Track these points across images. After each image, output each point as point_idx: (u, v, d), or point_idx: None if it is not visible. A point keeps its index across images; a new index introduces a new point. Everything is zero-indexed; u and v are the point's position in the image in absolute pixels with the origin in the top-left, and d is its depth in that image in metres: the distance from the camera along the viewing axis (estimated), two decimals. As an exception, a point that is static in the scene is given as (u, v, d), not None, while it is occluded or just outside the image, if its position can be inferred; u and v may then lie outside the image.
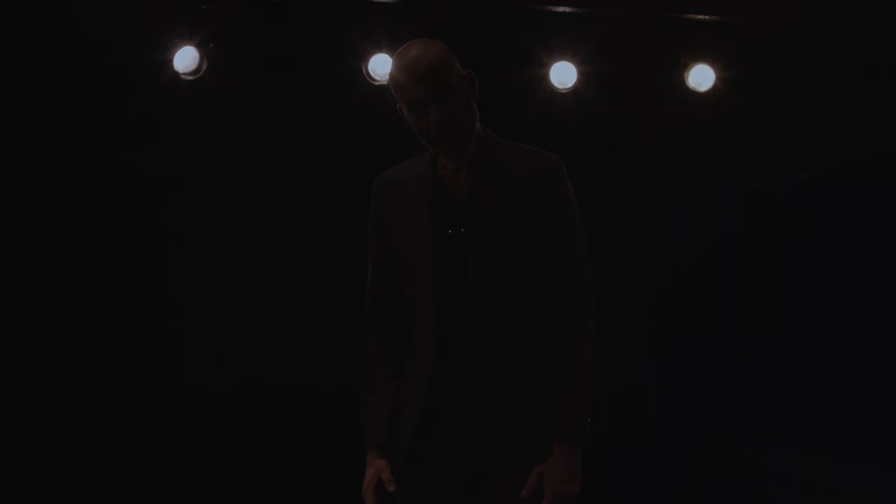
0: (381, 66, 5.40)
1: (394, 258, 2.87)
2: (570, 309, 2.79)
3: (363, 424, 2.86)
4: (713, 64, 5.65)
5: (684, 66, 5.68)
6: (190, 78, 5.38)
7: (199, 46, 5.36)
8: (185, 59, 5.36)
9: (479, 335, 2.75)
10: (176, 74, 5.37)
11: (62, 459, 5.41)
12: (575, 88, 5.61)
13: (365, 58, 5.46)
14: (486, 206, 2.78)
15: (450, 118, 2.73)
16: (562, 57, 5.60)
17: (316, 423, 5.58)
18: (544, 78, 5.61)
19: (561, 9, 5.57)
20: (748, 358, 5.85)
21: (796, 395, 5.71)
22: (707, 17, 5.63)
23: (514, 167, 2.82)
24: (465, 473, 2.77)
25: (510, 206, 2.78)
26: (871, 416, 5.52)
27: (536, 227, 2.78)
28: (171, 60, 5.36)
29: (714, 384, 5.85)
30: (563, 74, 5.60)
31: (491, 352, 2.75)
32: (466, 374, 2.76)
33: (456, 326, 2.76)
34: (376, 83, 5.42)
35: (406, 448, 2.78)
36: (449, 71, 2.74)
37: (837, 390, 5.60)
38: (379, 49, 5.43)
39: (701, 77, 5.66)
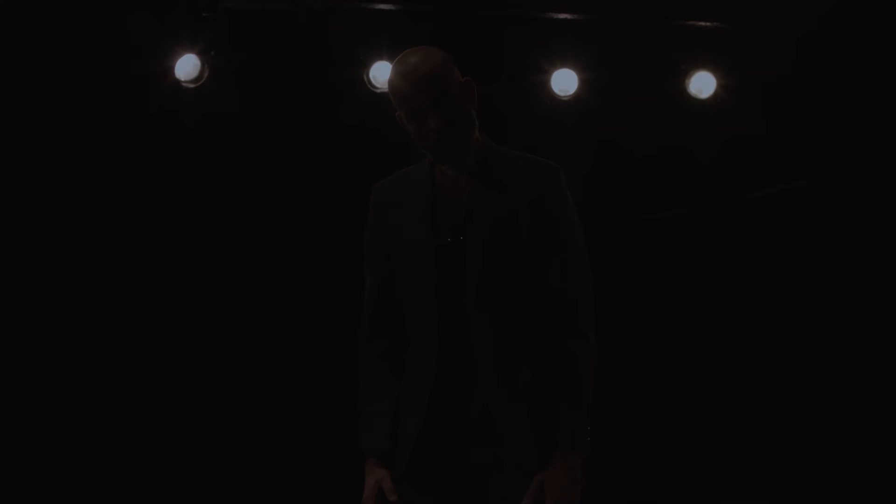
0: (382, 73, 5.40)
1: (392, 267, 2.86)
2: (570, 318, 2.78)
3: (362, 433, 2.84)
4: (714, 71, 5.65)
5: (685, 73, 5.67)
6: (191, 86, 5.38)
7: (200, 54, 5.37)
8: (187, 66, 5.36)
9: (479, 344, 2.75)
10: (177, 82, 5.38)
11: (60, 460, 5.41)
12: (576, 96, 5.61)
13: (366, 65, 5.47)
14: (485, 214, 2.78)
15: (449, 126, 2.73)
16: (563, 64, 5.60)
17: (315, 433, 5.57)
18: (545, 85, 5.61)
19: (562, 16, 5.58)
20: (750, 363, 5.84)
21: (797, 401, 5.72)
22: (708, 23, 5.63)
23: (514, 175, 2.81)
24: (467, 482, 2.76)
25: (509, 214, 2.77)
26: (872, 415, 5.54)
27: (536, 236, 2.78)
28: (172, 68, 5.36)
29: (715, 389, 5.85)
30: (565, 81, 5.60)
31: (492, 360, 2.74)
32: (467, 382, 2.75)
33: (456, 335, 2.75)
34: (377, 91, 5.42)
35: (407, 457, 2.77)
36: (448, 78, 2.74)
37: (838, 396, 5.60)
38: (380, 57, 5.43)
39: (702, 84, 5.65)
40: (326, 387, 5.40)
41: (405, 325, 2.85)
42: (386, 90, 2.87)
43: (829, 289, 5.72)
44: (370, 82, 5.45)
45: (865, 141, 5.66)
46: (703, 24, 5.62)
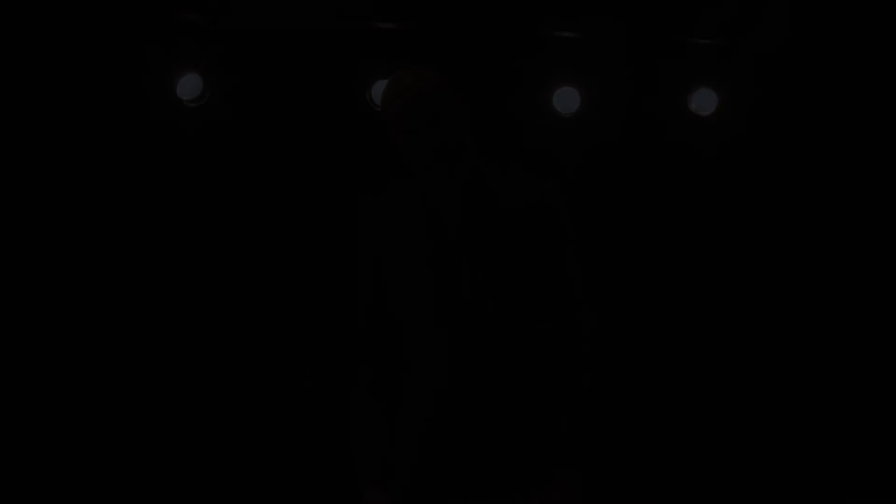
0: (384, 92, 5.41)
1: (386, 287, 2.85)
2: (568, 335, 2.78)
3: (358, 458, 2.83)
4: (716, 88, 5.65)
5: (687, 91, 5.67)
6: (193, 105, 5.40)
7: (202, 74, 5.38)
8: (189, 86, 5.38)
9: (479, 361, 2.74)
10: (179, 101, 5.39)
11: (57, 460, 5.41)
12: (578, 113, 5.61)
13: (368, 85, 5.48)
14: (480, 232, 2.77)
15: (443, 144, 2.74)
16: (565, 82, 5.61)
17: (314, 453, 5.57)
18: (548, 103, 5.62)
19: (564, 34, 5.59)
20: (750, 365, 5.85)
21: (795, 401, 5.73)
22: (710, 41, 5.64)
23: (509, 192, 2.81)
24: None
25: (505, 231, 2.77)
26: (874, 414, 5.54)
27: (531, 252, 2.78)
28: (174, 87, 5.38)
29: (715, 391, 5.85)
30: (567, 100, 5.60)
31: (492, 378, 2.74)
32: (467, 401, 2.75)
33: (455, 352, 2.74)
34: (379, 109, 5.42)
35: (408, 481, 2.76)
36: (441, 96, 2.75)
37: (837, 398, 5.61)
38: (382, 76, 5.44)
39: (704, 101, 5.65)
40: (323, 401, 5.40)
41: (401, 343, 2.83)
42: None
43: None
44: (372, 101, 5.46)
45: (868, 155, 5.67)
46: (704, 41, 5.63)
